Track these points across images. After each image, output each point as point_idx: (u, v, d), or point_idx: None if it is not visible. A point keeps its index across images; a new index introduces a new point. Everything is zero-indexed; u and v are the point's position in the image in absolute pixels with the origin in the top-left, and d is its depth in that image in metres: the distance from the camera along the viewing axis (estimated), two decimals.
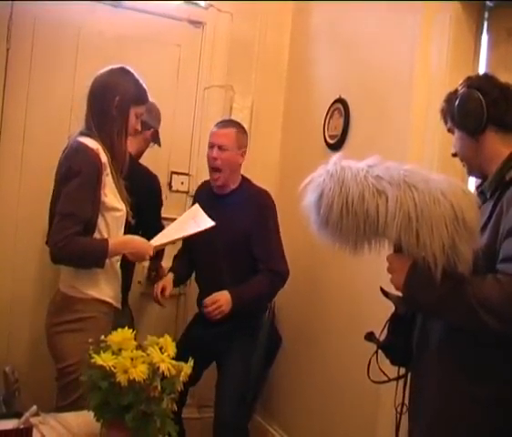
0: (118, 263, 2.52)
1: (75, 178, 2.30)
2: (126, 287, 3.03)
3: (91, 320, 2.36)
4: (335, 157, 1.78)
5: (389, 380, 2.01)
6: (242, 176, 3.15)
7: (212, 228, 2.80)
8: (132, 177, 2.69)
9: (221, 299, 2.89)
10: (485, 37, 2.67)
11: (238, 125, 3.13)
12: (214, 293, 2.91)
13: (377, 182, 1.67)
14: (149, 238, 2.59)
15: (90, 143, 2.35)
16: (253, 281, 2.99)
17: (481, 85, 1.81)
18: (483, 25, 2.68)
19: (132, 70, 2.48)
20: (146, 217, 2.89)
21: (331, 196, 1.69)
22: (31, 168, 3.24)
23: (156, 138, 3.21)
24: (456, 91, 1.85)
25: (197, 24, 3.64)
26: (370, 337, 2.02)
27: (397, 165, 1.73)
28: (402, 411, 1.96)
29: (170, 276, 3.13)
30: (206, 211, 2.96)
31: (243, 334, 3.02)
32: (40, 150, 3.23)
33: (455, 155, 1.92)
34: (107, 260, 2.38)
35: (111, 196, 2.39)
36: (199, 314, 3.17)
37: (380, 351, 2.00)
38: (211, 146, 3.04)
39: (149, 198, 3.05)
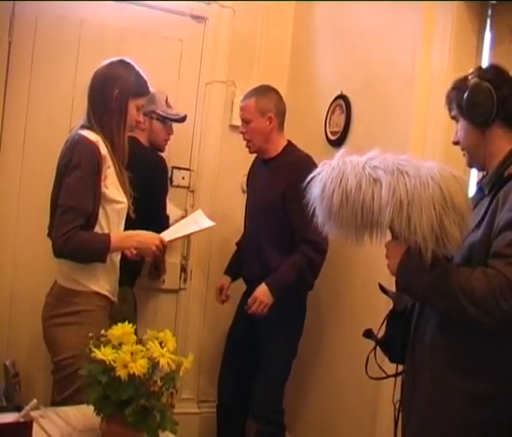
0: (118, 257, 2.51)
1: (75, 171, 2.29)
2: (134, 271, 3.10)
3: (88, 313, 2.35)
4: (339, 152, 1.83)
5: (387, 376, 2.03)
6: (288, 142, 3.13)
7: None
8: (136, 156, 2.73)
9: (260, 295, 2.89)
10: (487, 34, 2.67)
11: (261, 91, 3.09)
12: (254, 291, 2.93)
13: (374, 171, 1.73)
14: (155, 228, 2.59)
15: (90, 135, 2.35)
16: (288, 261, 2.94)
17: (493, 78, 1.80)
18: (486, 22, 2.67)
19: (132, 62, 2.47)
20: (151, 199, 2.92)
21: (331, 187, 1.75)
22: (32, 162, 3.24)
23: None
24: (466, 80, 1.83)
25: (199, 19, 3.63)
26: (368, 334, 2.03)
27: (394, 155, 1.78)
28: (400, 407, 1.97)
29: (224, 279, 3.30)
30: (253, 178, 3.18)
31: (287, 320, 3.00)
32: (42, 143, 3.23)
33: (456, 143, 1.92)
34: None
35: (113, 188, 2.38)
36: (246, 293, 3.20)
37: (379, 348, 2.01)
38: (241, 120, 3.11)
39: (152, 180, 3.06)
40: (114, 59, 2.45)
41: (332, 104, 3.33)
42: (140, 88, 2.47)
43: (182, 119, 3.29)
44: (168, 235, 2.61)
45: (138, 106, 2.48)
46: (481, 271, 1.66)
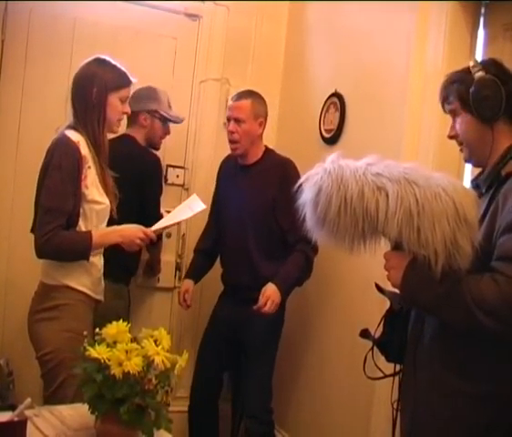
0: (100, 255, 2.49)
1: (55, 171, 2.31)
2: (129, 269, 3.14)
3: (67, 307, 2.35)
4: (333, 155, 1.76)
5: (385, 376, 2.01)
6: (266, 147, 3.15)
7: (241, 199, 2.95)
8: (131, 155, 2.79)
9: (271, 294, 2.87)
10: (481, 33, 2.67)
11: (255, 95, 3.10)
12: (262, 289, 2.88)
13: (377, 179, 1.66)
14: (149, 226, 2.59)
15: (72, 135, 2.36)
16: (290, 261, 2.97)
17: (498, 72, 1.78)
18: (479, 20, 2.68)
19: (108, 58, 2.47)
20: (144, 199, 2.93)
21: (329, 193, 1.67)
22: (26, 160, 3.23)
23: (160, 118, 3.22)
24: (469, 73, 1.79)
25: (193, 17, 3.63)
26: (365, 334, 2.01)
27: (397, 163, 1.72)
28: (398, 407, 1.96)
29: (188, 282, 3.23)
30: (230, 183, 3.11)
31: (272, 319, 2.96)
32: (35, 142, 3.21)
33: (452, 137, 1.89)
34: None
35: (93, 189, 2.38)
36: (225, 295, 3.21)
37: (376, 348, 2.00)
38: (228, 119, 3.07)
39: (148, 179, 3.08)
40: (90, 59, 2.46)
41: (326, 102, 3.34)
42: (119, 81, 2.46)
43: (181, 121, 3.34)
44: (156, 225, 2.60)
45: (123, 99, 2.48)
46: (490, 279, 1.61)
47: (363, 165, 1.71)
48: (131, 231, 2.47)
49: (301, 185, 1.77)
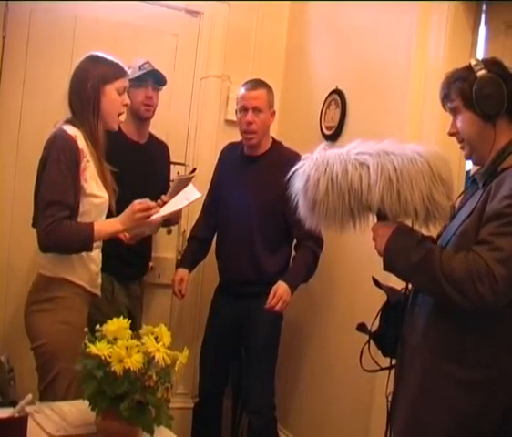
0: (99, 249, 2.50)
1: (54, 165, 2.31)
2: (139, 269, 3.20)
3: (63, 299, 2.36)
4: (320, 146, 1.90)
5: (381, 368, 2.03)
6: (273, 138, 3.12)
7: (242, 191, 2.94)
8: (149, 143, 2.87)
9: (284, 294, 2.85)
10: (482, 30, 2.67)
11: (266, 84, 3.07)
12: (273, 287, 2.85)
13: (358, 156, 1.81)
14: None
15: (69, 130, 2.37)
16: (299, 258, 2.99)
17: (500, 71, 1.79)
18: (480, 17, 2.67)
19: (101, 53, 2.47)
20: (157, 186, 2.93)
21: (317, 176, 1.81)
22: (27, 155, 3.22)
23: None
24: (471, 71, 1.80)
25: (194, 13, 3.63)
26: (361, 328, 2.05)
27: (376, 142, 1.85)
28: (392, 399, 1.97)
29: (183, 271, 3.19)
30: (235, 174, 3.07)
31: (274, 315, 2.95)
32: (36, 138, 3.17)
33: (452, 134, 1.90)
34: None
35: (91, 182, 2.38)
36: (223, 289, 3.19)
37: (372, 341, 2.01)
38: (245, 109, 2.99)
39: (163, 165, 3.06)
40: (83, 57, 2.47)
41: (327, 98, 3.33)
42: (113, 72, 2.46)
43: (151, 73, 3.05)
44: (152, 217, 2.59)
45: (119, 90, 2.47)
46: (462, 254, 1.68)
47: (347, 148, 1.86)
48: (128, 212, 2.42)
49: (290, 177, 1.91)
